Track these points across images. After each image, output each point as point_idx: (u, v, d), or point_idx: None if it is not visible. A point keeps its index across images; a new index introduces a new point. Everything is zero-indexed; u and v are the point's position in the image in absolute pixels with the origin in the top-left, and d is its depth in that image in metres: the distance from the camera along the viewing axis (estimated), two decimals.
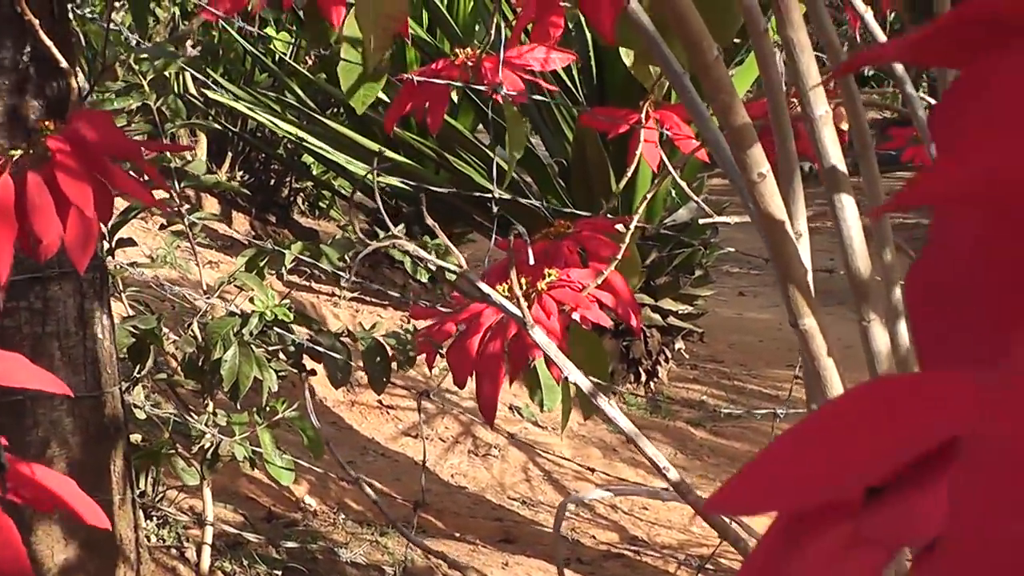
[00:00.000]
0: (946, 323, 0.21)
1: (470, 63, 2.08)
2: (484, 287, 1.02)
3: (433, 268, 1.22)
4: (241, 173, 4.63)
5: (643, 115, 1.86)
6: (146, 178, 1.36)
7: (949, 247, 0.22)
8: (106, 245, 1.76)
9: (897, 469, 0.19)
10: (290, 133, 3.83)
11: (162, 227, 1.95)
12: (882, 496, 0.19)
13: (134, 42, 1.99)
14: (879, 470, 0.19)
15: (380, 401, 2.92)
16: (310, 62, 4.44)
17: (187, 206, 1.88)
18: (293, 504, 2.38)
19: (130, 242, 1.84)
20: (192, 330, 1.79)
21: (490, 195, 2.12)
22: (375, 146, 3.80)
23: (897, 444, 0.19)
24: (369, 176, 3.83)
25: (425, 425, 2.87)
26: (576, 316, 1.68)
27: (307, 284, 3.42)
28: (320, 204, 5.15)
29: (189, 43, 3.17)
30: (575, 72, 3.65)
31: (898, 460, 0.19)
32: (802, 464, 0.20)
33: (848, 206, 0.86)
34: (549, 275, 1.61)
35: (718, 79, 0.67)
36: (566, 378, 1.74)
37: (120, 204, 1.87)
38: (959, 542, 0.17)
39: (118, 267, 1.83)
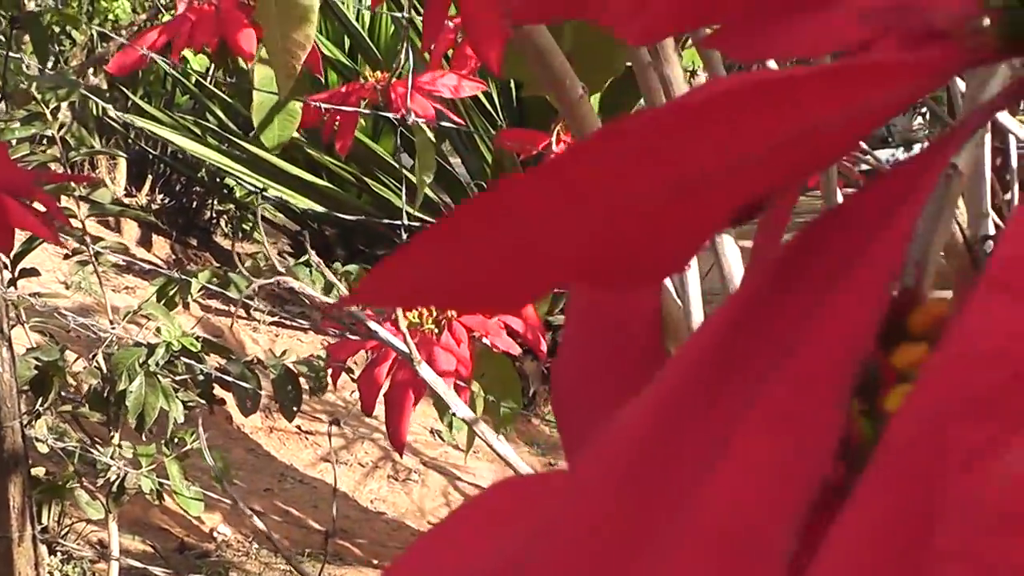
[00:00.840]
0: (577, 418, 0.22)
1: (379, 86, 2.09)
2: (373, 325, 1.01)
3: (329, 299, 1.21)
4: (162, 196, 4.58)
5: (554, 138, 1.87)
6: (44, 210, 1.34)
7: (567, 338, 0.23)
8: (7, 275, 1.73)
9: None
10: (209, 157, 3.80)
11: (66, 256, 1.92)
12: None
13: (45, 69, 1.97)
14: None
15: (299, 427, 2.90)
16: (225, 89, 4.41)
17: (104, 234, 1.86)
18: (206, 534, 2.35)
19: (33, 272, 1.82)
20: (97, 361, 1.77)
21: (401, 220, 2.11)
22: (296, 171, 3.78)
23: (491, 554, 0.18)
24: (288, 198, 3.81)
25: (344, 450, 2.86)
26: (487, 341, 1.68)
27: (226, 308, 3.39)
28: (243, 227, 5.11)
29: (91, 71, 3.13)
30: (495, 94, 3.66)
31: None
32: (427, 566, 0.20)
33: (729, 248, 0.86)
34: None
35: (583, 118, 0.68)
36: (474, 400, 1.75)
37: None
38: None
39: (20, 297, 1.80)
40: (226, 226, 5.03)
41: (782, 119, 0.17)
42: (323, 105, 1.89)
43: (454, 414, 0.96)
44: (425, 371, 0.96)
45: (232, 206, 4.82)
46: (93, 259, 1.85)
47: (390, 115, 1.94)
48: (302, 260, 1.86)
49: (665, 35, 0.21)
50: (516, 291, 0.19)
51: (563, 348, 0.24)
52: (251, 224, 5.07)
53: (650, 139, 0.17)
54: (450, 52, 2.10)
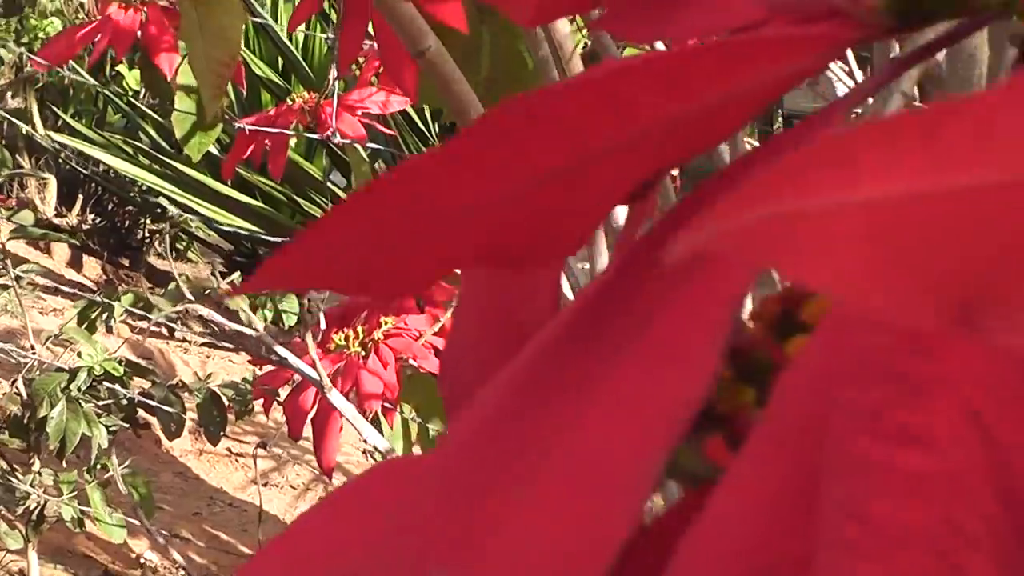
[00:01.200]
0: (462, 393, 0.21)
1: (307, 108, 2.08)
2: (281, 351, 1.00)
3: (258, 326, 1.20)
4: (93, 216, 4.52)
5: None
6: None
7: (458, 323, 0.23)
8: None
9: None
10: (140, 177, 3.76)
11: None
12: None
13: None
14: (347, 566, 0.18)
15: (229, 449, 2.87)
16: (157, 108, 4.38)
17: (34, 255, 1.82)
18: (133, 561, 2.31)
19: None
20: (16, 387, 1.74)
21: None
22: (228, 191, 3.76)
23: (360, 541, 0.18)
24: (218, 218, 3.78)
25: (275, 472, 2.83)
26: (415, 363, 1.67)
27: (156, 330, 3.35)
28: (177, 246, 5.06)
29: (21, 91, 3.09)
30: (427, 110, 3.66)
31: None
32: (297, 549, 0.19)
33: None
34: (385, 323, 1.60)
35: None
36: (405, 423, 1.73)
37: None
38: None
39: None
40: (159, 246, 4.97)
41: (674, 97, 0.17)
42: (249, 127, 1.87)
43: (365, 441, 0.95)
44: (336, 398, 0.95)
45: (165, 226, 4.77)
46: (14, 282, 1.82)
47: (316, 136, 1.93)
48: (211, 289, 1.83)
49: (557, 16, 0.21)
50: (419, 270, 0.19)
51: (453, 333, 0.23)
52: (184, 244, 5.01)
53: (545, 117, 0.17)
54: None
